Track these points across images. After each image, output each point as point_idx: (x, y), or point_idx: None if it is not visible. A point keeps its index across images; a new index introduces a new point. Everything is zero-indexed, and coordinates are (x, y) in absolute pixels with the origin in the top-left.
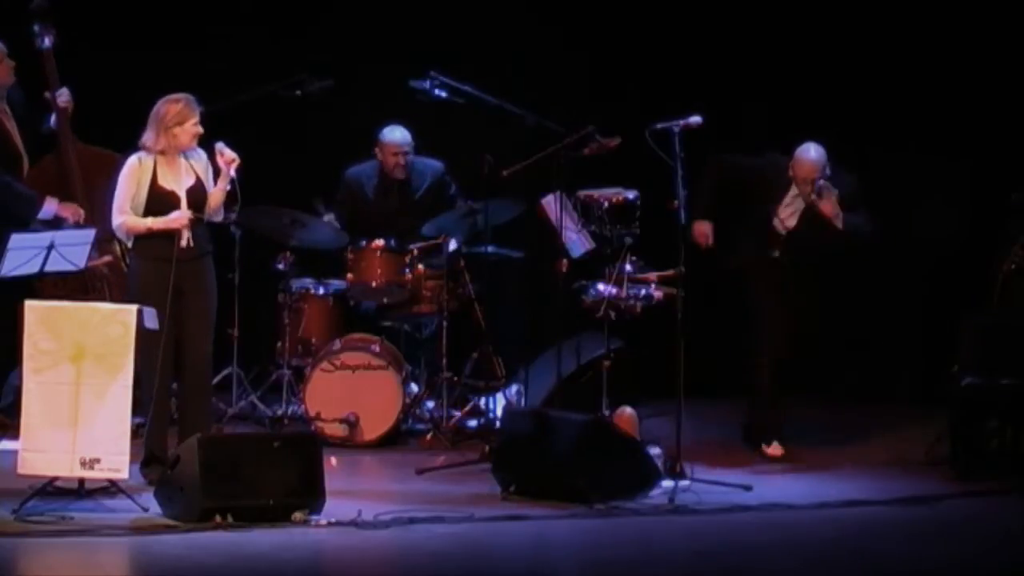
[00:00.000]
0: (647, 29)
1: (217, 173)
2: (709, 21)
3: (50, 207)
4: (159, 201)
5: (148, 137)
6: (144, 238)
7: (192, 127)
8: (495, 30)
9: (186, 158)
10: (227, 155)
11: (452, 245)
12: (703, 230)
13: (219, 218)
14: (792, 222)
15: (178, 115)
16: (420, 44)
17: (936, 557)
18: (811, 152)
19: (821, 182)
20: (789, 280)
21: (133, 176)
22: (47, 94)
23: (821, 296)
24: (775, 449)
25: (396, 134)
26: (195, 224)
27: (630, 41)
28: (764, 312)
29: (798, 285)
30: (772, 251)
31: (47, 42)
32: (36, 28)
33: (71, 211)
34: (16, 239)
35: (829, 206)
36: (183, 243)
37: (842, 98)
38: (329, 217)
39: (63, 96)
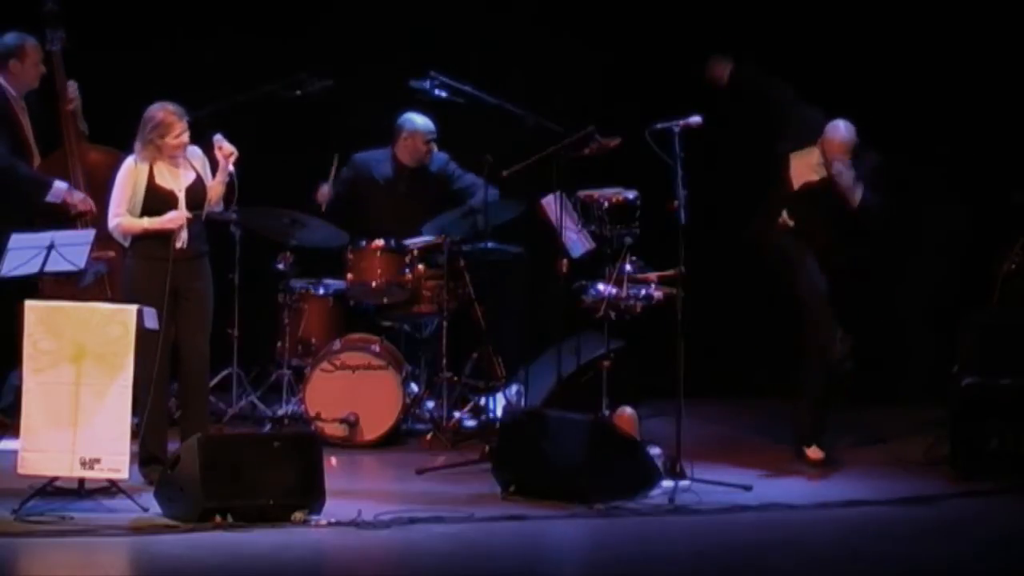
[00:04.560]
0: (648, 29)
1: (215, 166)
2: (710, 21)
3: (59, 190)
4: (157, 200)
5: (136, 145)
6: (140, 238)
7: (174, 139)
8: (495, 30)
9: (184, 156)
10: (225, 148)
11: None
12: (719, 61)
13: (219, 209)
14: (810, 177)
15: (159, 127)
16: (420, 44)
17: (936, 557)
18: (840, 130)
19: (841, 166)
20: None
21: (130, 177)
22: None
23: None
24: (815, 452)
25: (426, 121)
26: (193, 222)
27: (631, 41)
28: (812, 305)
29: (818, 258)
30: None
31: (56, 45)
32: (47, 32)
33: (80, 198)
34: (16, 239)
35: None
36: (179, 244)
37: (842, 97)
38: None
39: (71, 90)
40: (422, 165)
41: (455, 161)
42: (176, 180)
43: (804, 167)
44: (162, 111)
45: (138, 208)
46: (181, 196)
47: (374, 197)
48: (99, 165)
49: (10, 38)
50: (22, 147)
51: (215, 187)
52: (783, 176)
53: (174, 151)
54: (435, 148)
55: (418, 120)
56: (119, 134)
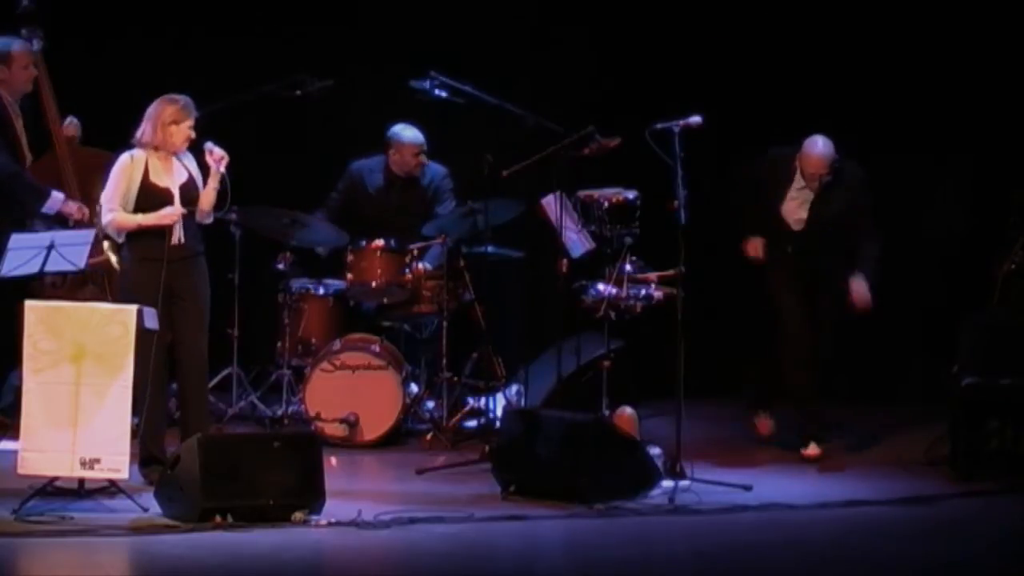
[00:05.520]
0: (648, 28)
1: (206, 173)
2: (710, 21)
3: (56, 201)
4: (152, 197)
5: (144, 132)
6: (136, 238)
7: (186, 129)
8: (495, 30)
9: (177, 157)
10: (216, 153)
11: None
12: (755, 244)
13: (209, 220)
14: (802, 214)
15: (175, 115)
16: (420, 44)
17: (936, 557)
18: (818, 146)
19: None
20: (808, 276)
21: (125, 173)
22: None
23: (841, 295)
24: (811, 450)
25: (414, 133)
26: (187, 220)
27: (631, 40)
28: (785, 311)
29: (817, 283)
30: (786, 248)
31: (36, 45)
32: (24, 32)
33: (75, 207)
34: (16, 239)
35: (862, 293)
36: (175, 240)
37: (842, 97)
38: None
39: (70, 125)
40: (414, 176)
41: (451, 179)
42: (170, 178)
43: (795, 207)
44: (179, 101)
45: (131, 205)
46: (176, 193)
47: (366, 206)
48: (89, 166)
49: None
50: (16, 153)
51: (207, 194)
52: (780, 217)
53: (182, 144)
54: (425, 160)
55: (406, 133)
56: (115, 134)
